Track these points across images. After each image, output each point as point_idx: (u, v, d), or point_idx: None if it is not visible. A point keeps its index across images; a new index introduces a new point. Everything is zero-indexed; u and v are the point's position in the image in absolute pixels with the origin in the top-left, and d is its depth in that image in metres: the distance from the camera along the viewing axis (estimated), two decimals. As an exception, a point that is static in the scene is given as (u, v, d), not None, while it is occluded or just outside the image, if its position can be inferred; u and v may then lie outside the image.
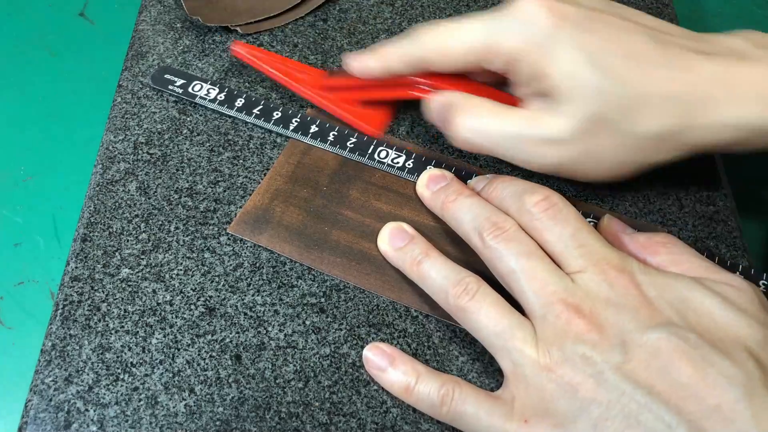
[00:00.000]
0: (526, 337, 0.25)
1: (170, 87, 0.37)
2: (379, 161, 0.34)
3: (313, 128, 0.35)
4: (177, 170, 0.34)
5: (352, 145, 0.34)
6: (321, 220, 0.32)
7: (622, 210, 0.33)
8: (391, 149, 0.34)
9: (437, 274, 0.28)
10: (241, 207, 0.33)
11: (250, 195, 0.33)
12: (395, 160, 0.34)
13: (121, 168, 0.34)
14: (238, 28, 0.40)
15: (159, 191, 0.33)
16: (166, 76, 0.37)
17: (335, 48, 0.40)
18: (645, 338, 0.24)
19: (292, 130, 0.35)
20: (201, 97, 0.36)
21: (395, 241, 0.30)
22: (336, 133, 0.35)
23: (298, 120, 0.35)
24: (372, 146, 0.34)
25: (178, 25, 0.40)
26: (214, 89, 0.36)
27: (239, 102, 0.36)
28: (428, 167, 0.33)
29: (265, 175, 0.34)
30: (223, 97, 0.36)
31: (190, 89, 0.36)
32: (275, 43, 0.40)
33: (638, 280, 0.26)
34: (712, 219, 0.33)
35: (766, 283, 0.30)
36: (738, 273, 0.31)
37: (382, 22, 0.41)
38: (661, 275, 0.26)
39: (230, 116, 0.36)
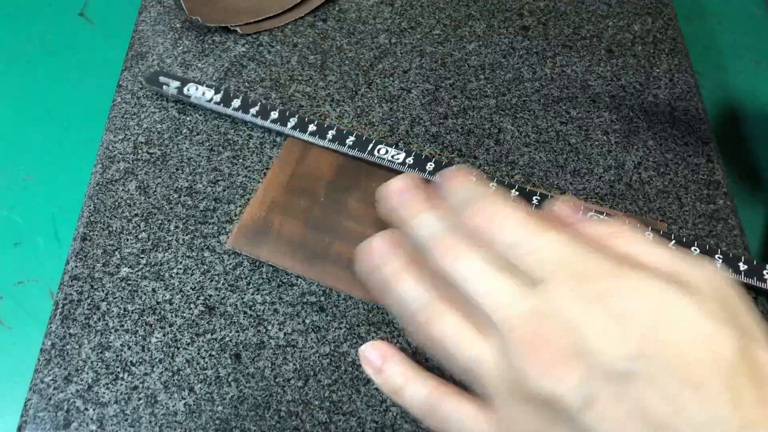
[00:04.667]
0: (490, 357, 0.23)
1: (164, 89, 0.36)
2: (378, 158, 0.34)
3: (312, 127, 0.35)
4: (177, 169, 0.34)
5: (351, 143, 0.34)
6: (321, 232, 0.32)
7: (622, 208, 0.33)
8: (391, 147, 0.34)
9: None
10: (240, 206, 0.33)
11: (250, 194, 0.33)
12: (395, 157, 0.34)
13: (120, 167, 0.34)
14: (237, 28, 0.40)
15: (159, 190, 0.33)
16: (160, 78, 0.37)
17: (335, 48, 0.40)
18: (612, 371, 0.20)
19: (291, 128, 0.35)
20: (196, 97, 0.36)
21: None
22: (334, 132, 0.35)
23: (296, 120, 0.35)
24: (371, 144, 0.34)
25: (178, 25, 0.40)
26: (209, 91, 0.36)
27: (235, 103, 0.36)
28: (416, 171, 0.33)
29: (264, 174, 0.34)
30: (218, 99, 0.36)
31: (184, 92, 0.36)
32: (275, 43, 0.40)
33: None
34: (712, 217, 0.33)
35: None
36: (738, 271, 0.30)
37: (381, 22, 0.41)
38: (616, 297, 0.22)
39: (229, 115, 0.36)
